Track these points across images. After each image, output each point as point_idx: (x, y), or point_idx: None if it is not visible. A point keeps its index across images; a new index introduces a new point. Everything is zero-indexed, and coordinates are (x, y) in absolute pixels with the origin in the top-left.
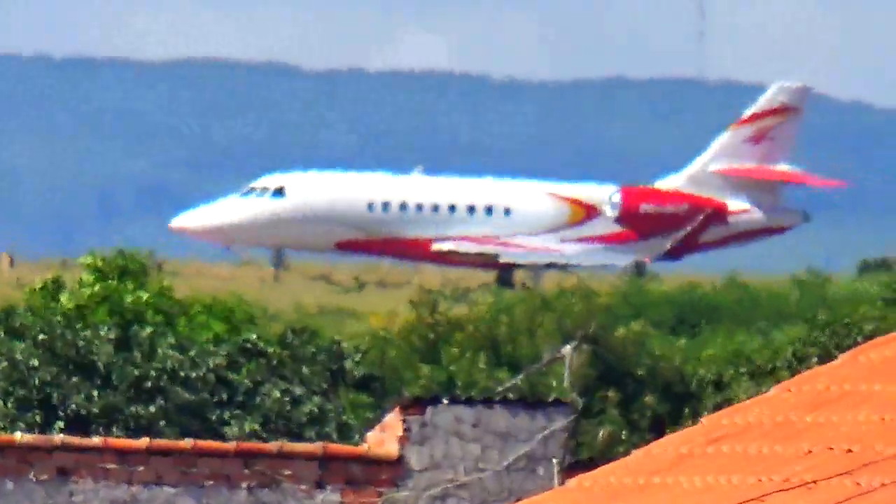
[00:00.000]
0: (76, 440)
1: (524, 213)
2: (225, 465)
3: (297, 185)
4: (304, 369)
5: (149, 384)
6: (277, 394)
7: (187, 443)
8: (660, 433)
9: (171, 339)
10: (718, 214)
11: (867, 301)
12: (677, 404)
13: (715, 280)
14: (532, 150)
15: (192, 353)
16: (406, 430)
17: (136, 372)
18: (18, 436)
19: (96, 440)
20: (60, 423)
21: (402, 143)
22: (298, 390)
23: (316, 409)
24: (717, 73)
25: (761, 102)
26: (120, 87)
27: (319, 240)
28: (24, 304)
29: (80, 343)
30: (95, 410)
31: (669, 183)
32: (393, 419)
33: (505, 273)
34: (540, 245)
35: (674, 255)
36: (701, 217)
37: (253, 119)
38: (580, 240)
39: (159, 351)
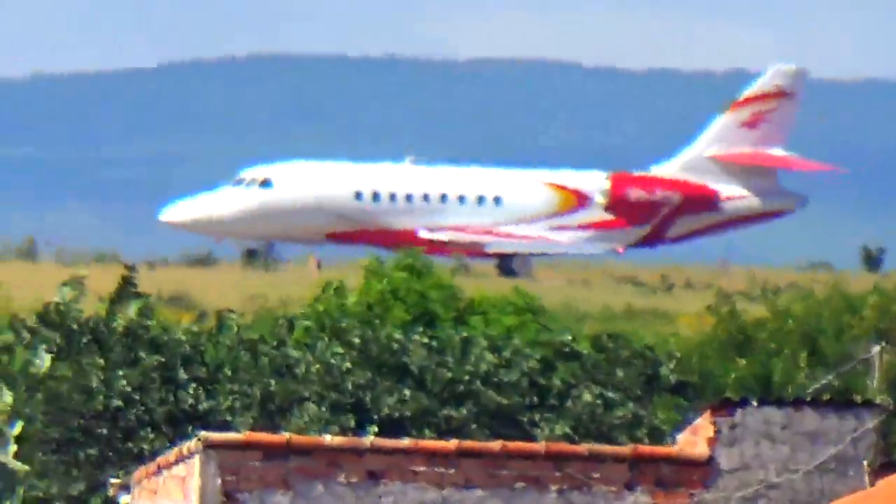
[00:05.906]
0: (386, 442)
1: (514, 202)
2: (534, 468)
3: (284, 176)
4: (619, 373)
5: (461, 387)
6: (589, 397)
7: (496, 444)
8: None
9: (484, 343)
10: (701, 202)
11: None
12: None
13: None
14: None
15: (506, 353)
16: (716, 431)
17: (449, 375)
18: (328, 438)
19: (405, 442)
20: (374, 427)
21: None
22: (612, 394)
23: (629, 415)
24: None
25: (757, 86)
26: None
27: (308, 231)
28: (325, 306)
29: (395, 346)
30: (408, 413)
31: (664, 170)
32: (703, 421)
33: (504, 262)
34: (530, 233)
35: (649, 242)
36: (667, 206)
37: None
38: (571, 228)
39: (472, 354)
